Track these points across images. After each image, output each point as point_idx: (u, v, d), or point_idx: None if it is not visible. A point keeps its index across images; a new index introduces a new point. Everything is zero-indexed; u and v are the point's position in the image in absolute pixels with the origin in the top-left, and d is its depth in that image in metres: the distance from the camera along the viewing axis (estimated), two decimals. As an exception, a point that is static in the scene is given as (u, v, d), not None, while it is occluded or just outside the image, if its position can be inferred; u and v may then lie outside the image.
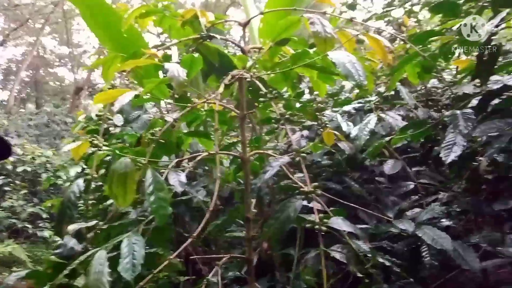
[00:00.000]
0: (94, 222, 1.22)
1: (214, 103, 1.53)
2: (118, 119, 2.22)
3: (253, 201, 1.65)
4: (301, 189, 0.94)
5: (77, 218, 1.34)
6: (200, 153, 1.43)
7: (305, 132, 2.05)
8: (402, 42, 2.16)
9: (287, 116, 1.07)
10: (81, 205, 1.32)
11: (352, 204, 1.55)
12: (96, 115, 1.62)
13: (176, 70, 0.97)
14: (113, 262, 1.00)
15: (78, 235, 1.23)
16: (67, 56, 21.00)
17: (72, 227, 1.20)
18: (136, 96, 1.03)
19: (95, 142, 1.17)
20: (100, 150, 1.19)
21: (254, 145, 1.70)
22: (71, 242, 1.20)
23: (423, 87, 2.15)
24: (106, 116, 1.35)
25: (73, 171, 4.41)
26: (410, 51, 1.90)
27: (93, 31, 2.41)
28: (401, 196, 1.82)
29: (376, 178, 1.94)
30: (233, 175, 1.79)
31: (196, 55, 1.12)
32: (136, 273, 0.97)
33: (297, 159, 1.00)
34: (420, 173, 1.89)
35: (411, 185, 1.81)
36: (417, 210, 1.62)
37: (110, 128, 2.15)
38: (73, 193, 1.19)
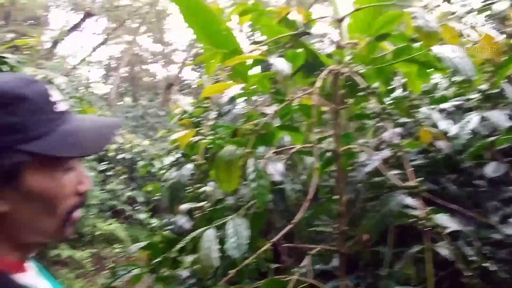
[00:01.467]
0: (202, 204, 1.35)
1: (308, 98, 1.58)
2: (211, 114, 2.39)
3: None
4: (405, 183, 0.94)
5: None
6: (293, 146, 1.48)
7: (398, 130, 2.00)
8: (505, 37, 2.00)
9: (388, 110, 1.07)
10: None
11: (450, 206, 1.49)
12: (200, 106, 1.77)
13: (281, 64, 1.03)
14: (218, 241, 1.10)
15: (188, 215, 1.37)
16: (160, 53, 22.58)
17: (183, 207, 1.33)
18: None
19: (202, 131, 1.28)
20: (205, 139, 1.30)
21: (344, 141, 1.71)
22: (182, 221, 1.34)
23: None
24: (210, 108, 1.46)
25: (168, 160, 4.78)
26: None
27: (191, 29, 2.60)
28: (504, 201, 1.70)
29: (475, 181, 1.83)
30: (320, 170, 1.81)
31: (299, 50, 1.17)
32: (242, 252, 1.05)
33: (399, 153, 1.00)
34: (525, 177, 1.74)
35: (517, 190, 1.67)
36: (524, 216, 1.49)
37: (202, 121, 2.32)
38: (183, 176, 1.33)
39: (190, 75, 15.75)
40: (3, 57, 1.56)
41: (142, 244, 1.36)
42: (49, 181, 0.65)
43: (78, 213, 0.70)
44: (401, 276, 1.45)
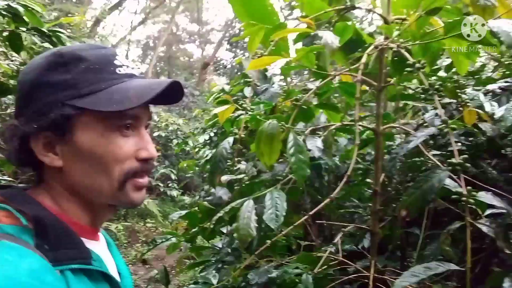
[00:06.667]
0: (242, 176, 1.37)
1: (349, 76, 1.55)
2: (248, 91, 2.40)
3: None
4: (449, 160, 0.92)
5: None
6: (333, 124, 1.47)
7: (440, 111, 1.94)
8: None
9: (437, 86, 1.03)
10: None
11: (491, 189, 1.44)
12: (245, 81, 1.78)
13: (329, 37, 1.01)
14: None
15: (228, 186, 1.39)
16: (196, 33, 22.71)
17: (224, 178, 1.36)
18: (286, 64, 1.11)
19: (244, 105, 1.29)
20: (247, 114, 1.31)
21: (384, 121, 1.67)
22: (221, 192, 1.37)
23: None
24: (254, 82, 1.47)
25: (202, 138, 4.85)
26: None
27: (232, 6, 2.61)
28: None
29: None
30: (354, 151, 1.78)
31: (349, 23, 1.14)
32: (279, 223, 1.07)
33: (445, 130, 0.97)
34: None
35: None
36: None
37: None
38: (225, 148, 1.34)
39: (225, 55, 15.81)
40: (58, 32, 1.61)
41: (182, 212, 1.40)
42: (101, 140, 0.65)
43: (143, 180, 0.70)
44: (434, 256, 1.43)
